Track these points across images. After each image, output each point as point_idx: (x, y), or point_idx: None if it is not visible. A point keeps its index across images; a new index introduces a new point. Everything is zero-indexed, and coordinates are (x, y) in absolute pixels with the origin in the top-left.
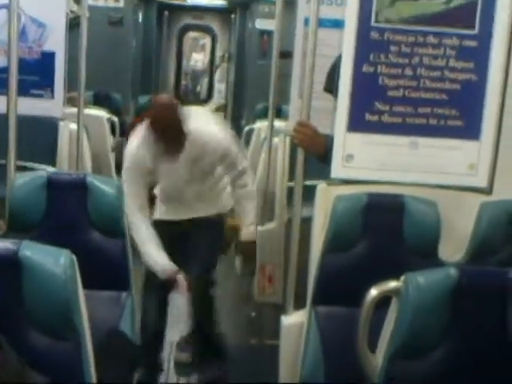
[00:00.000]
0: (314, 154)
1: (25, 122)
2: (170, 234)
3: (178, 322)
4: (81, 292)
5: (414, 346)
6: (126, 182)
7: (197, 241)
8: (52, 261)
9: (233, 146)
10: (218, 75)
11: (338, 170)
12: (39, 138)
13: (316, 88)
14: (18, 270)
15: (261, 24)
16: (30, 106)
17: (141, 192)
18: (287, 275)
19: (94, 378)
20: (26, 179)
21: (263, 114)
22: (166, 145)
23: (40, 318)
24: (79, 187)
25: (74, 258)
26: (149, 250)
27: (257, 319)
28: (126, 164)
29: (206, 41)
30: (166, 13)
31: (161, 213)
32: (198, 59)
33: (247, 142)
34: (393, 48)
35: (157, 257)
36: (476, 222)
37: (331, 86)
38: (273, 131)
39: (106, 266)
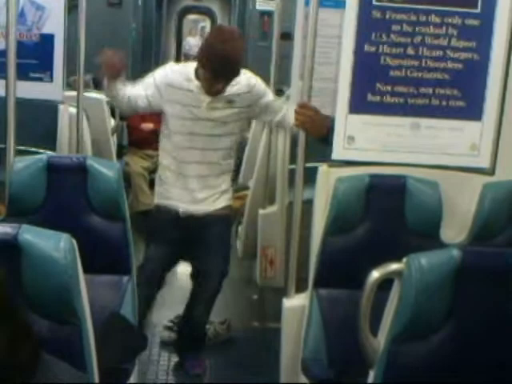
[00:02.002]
0: (316, 135)
1: (24, 106)
2: (177, 231)
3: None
4: (81, 276)
5: (416, 327)
6: (143, 80)
7: (209, 241)
8: (52, 245)
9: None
10: None
11: (339, 151)
12: (39, 122)
13: (317, 69)
14: (18, 254)
15: (261, 5)
16: (29, 90)
17: (136, 94)
18: (289, 258)
19: (94, 362)
20: (26, 163)
21: None
22: (222, 76)
23: (40, 303)
24: (79, 170)
25: (75, 242)
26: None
27: (258, 302)
28: (158, 70)
29: (206, 23)
30: None
31: (164, 195)
32: (192, 44)
33: (248, 124)
34: (394, 27)
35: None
36: (478, 203)
37: None
38: None
39: (107, 250)
